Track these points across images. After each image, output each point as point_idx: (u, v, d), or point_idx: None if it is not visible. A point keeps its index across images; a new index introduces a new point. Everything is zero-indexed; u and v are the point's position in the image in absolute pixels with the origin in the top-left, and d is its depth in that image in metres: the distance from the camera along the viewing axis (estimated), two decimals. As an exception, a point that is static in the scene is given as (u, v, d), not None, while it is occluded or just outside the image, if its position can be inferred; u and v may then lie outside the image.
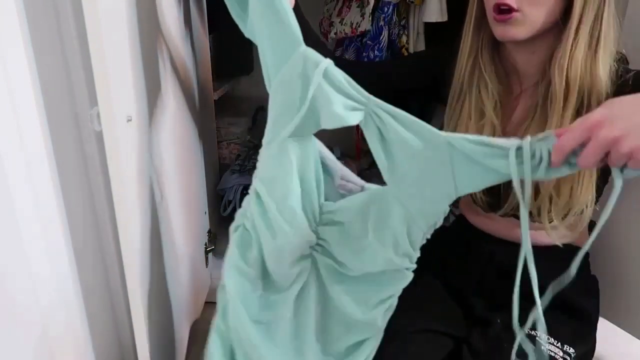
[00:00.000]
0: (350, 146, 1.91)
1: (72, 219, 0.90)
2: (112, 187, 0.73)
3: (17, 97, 0.73)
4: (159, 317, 0.96)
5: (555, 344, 0.83)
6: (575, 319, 0.88)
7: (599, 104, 0.73)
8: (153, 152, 0.90)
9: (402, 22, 1.52)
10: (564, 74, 0.75)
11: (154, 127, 0.90)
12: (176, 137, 1.03)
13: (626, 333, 1.11)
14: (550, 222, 0.81)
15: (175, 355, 1.06)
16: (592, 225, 0.89)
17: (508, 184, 0.79)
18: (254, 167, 1.67)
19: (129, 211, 0.77)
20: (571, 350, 0.83)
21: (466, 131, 0.86)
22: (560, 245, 0.84)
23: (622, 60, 0.79)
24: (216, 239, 1.47)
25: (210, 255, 1.39)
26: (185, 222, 1.10)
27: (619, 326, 1.12)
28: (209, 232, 1.39)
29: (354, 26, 1.52)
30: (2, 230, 0.74)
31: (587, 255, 0.93)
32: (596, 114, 0.54)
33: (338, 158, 1.72)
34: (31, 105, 0.77)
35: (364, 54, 1.53)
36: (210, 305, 1.25)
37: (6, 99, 0.71)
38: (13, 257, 0.76)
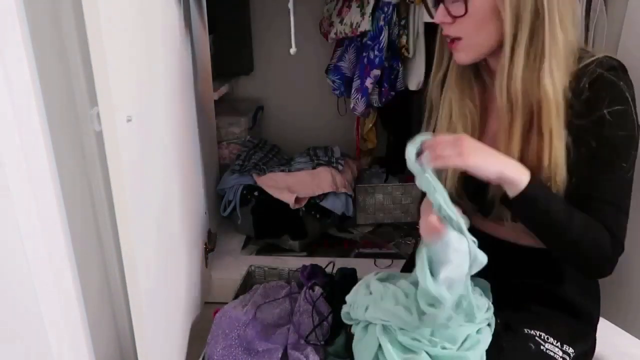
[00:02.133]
0: (350, 146, 1.91)
1: (72, 219, 0.90)
2: (112, 187, 0.73)
3: (17, 97, 0.73)
4: (159, 316, 0.96)
5: (554, 343, 0.83)
6: (575, 319, 0.88)
7: (557, 113, 0.76)
8: (153, 152, 0.90)
9: (402, 22, 1.52)
10: (504, 91, 0.78)
11: (154, 127, 0.90)
12: (176, 137, 1.03)
13: (626, 333, 1.11)
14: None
15: (175, 355, 1.06)
16: None
17: (489, 192, 0.83)
18: (254, 167, 1.68)
19: (129, 211, 0.77)
20: (570, 350, 0.83)
21: None
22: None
23: (601, 63, 0.78)
24: (216, 239, 1.47)
25: (210, 255, 1.39)
26: (185, 222, 1.10)
27: (619, 326, 1.12)
28: (209, 232, 1.39)
29: (354, 26, 1.52)
30: (2, 230, 0.74)
31: None
32: (456, 141, 0.75)
33: (338, 158, 1.73)
34: (31, 106, 0.77)
35: (364, 54, 1.53)
36: (209, 305, 1.25)
37: (6, 99, 0.71)
38: (13, 257, 0.76)
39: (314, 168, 1.66)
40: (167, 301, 1.00)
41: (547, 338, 0.83)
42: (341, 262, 1.15)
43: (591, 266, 0.83)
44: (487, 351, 0.82)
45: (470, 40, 0.79)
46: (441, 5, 0.79)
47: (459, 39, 0.79)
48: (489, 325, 0.84)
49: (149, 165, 0.88)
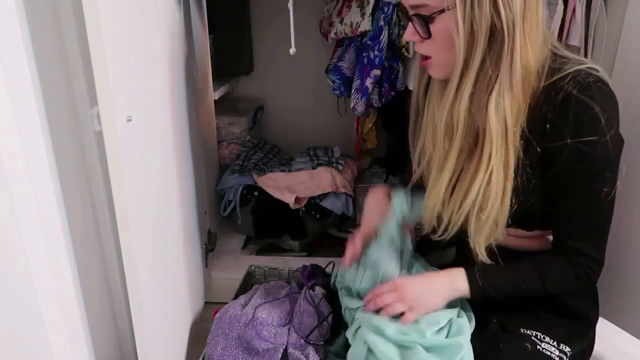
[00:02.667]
0: (350, 146, 1.91)
1: (72, 219, 0.90)
2: (112, 187, 0.73)
3: (17, 98, 0.73)
4: (159, 317, 0.96)
5: (551, 342, 0.84)
6: (571, 320, 0.88)
7: (503, 140, 0.75)
8: (153, 152, 0.90)
9: (402, 22, 1.52)
10: (444, 116, 0.78)
11: (154, 127, 0.90)
12: (176, 137, 1.03)
13: (626, 333, 1.11)
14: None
15: (175, 355, 1.06)
16: None
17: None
18: (254, 167, 1.68)
19: (129, 211, 0.77)
20: (567, 349, 0.84)
21: (423, 144, 0.90)
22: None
23: (575, 80, 0.74)
24: (216, 239, 1.47)
25: (210, 255, 1.39)
26: (185, 222, 1.10)
27: (619, 326, 1.12)
28: (209, 232, 1.39)
29: (354, 26, 1.52)
30: (2, 230, 0.74)
31: None
32: (399, 293, 0.85)
33: (338, 158, 1.73)
34: (31, 106, 0.77)
35: (364, 54, 1.53)
36: (209, 305, 1.25)
37: (6, 99, 0.71)
38: (13, 257, 0.76)
39: (314, 168, 1.66)
40: (167, 301, 1.00)
41: (544, 337, 0.84)
42: (341, 262, 1.14)
43: (572, 290, 0.86)
44: (484, 351, 0.82)
45: (438, 60, 0.79)
46: (410, 24, 0.79)
47: (429, 57, 0.80)
48: (463, 310, 0.88)
49: (149, 165, 0.88)
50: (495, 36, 0.72)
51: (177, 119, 1.03)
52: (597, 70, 0.76)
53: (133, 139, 0.78)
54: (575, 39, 1.22)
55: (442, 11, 0.73)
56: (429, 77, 0.89)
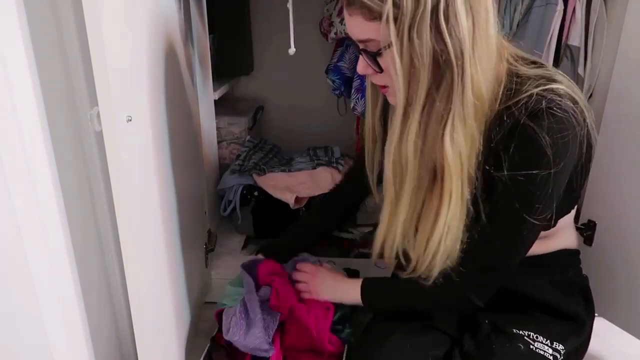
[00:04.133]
0: (350, 146, 1.91)
1: (72, 218, 0.90)
2: (112, 187, 0.73)
3: (18, 98, 0.73)
4: (159, 317, 0.96)
5: (543, 341, 0.84)
6: (564, 319, 0.88)
7: (460, 174, 0.71)
8: (153, 152, 0.90)
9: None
10: (390, 158, 0.75)
11: (154, 127, 0.90)
12: (176, 137, 1.03)
13: (626, 333, 1.11)
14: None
15: (176, 355, 1.06)
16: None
17: None
18: (254, 167, 1.68)
19: (129, 211, 0.77)
20: (560, 347, 0.84)
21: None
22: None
23: (526, 106, 0.69)
24: (216, 239, 1.47)
25: (210, 255, 1.39)
26: (185, 222, 1.10)
27: (619, 326, 1.12)
28: (209, 232, 1.39)
29: (354, 26, 1.52)
30: (2, 230, 0.74)
31: (575, 256, 0.94)
32: (310, 278, 1.06)
33: (338, 158, 1.73)
34: (31, 106, 0.77)
35: (364, 54, 1.53)
36: (210, 305, 1.25)
37: (6, 100, 0.71)
38: (13, 257, 0.76)
39: (314, 168, 1.66)
40: (167, 301, 1.00)
41: (537, 337, 0.84)
42: (341, 262, 1.15)
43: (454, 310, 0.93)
44: (479, 354, 0.83)
45: (394, 90, 0.73)
46: (361, 57, 0.75)
47: (384, 86, 0.76)
48: None
49: (149, 165, 0.88)
50: (441, 68, 0.67)
51: (177, 119, 1.03)
52: (557, 92, 0.69)
53: (133, 139, 0.78)
54: (575, 39, 1.22)
55: (389, 46, 0.67)
56: (382, 106, 0.86)
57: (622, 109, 1.05)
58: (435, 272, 0.79)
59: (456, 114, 0.68)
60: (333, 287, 1.02)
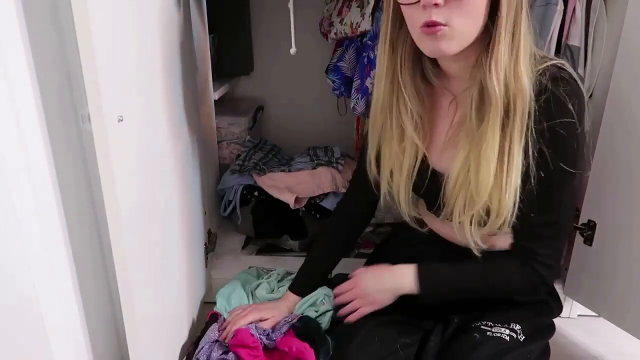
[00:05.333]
0: (350, 146, 1.91)
1: (71, 218, 0.90)
2: (102, 187, 0.71)
3: (17, 97, 0.73)
4: (158, 317, 0.96)
5: (499, 326, 0.87)
6: (524, 309, 0.91)
7: (523, 111, 0.75)
8: (151, 152, 0.90)
9: (402, 22, 1.52)
10: (494, 77, 0.74)
11: (153, 126, 0.90)
12: (175, 137, 1.03)
13: (626, 333, 1.11)
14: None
15: (175, 355, 1.06)
16: None
17: (442, 194, 0.85)
18: (254, 167, 1.68)
19: (121, 211, 0.75)
20: (517, 327, 0.86)
21: (390, 152, 0.89)
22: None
23: (552, 68, 0.77)
24: (216, 239, 1.47)
25: (210, 255, 1.39)
26: (185, 222, 1.10)
27: (619, 326, 1.12)
28: (209, 232, 1.39)
29: (354, 26, 1.52)
30: (2, 230, 0.74)
31: None
32: (356, 290, 0.96)
33: (338, 158, 1.73)
34: (31, 106, 0.77)
35: (364, 54, 1.53)
36: (209, 305, 1.25)
37: (6, 99, 0.71)
38: (13, 256, 0.76)
39: (314, 168, 1.66)
40: (167, 301, 1.00)
41: (493, 325, 0.87)
42: (341, 262, 1.14)
43: (527, 294, 0.90)
44: (445, 349, 0.87)
45: (457, 28, 0.72)
46: None
47: (444, 25, 0.71)
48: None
49: (146, 165, 0.88)
50: (521, 2, 0.74)
51: (176, 119, 1.03)
52: (566, 67, 0.78)
53: (125, 139, 0.77)
54: (575, 39, 1.22)
55: None
56: (393, 79, 0.84)
57: (622, 109, 1.05)
58: (507, 215, 0.79)
59: (526, 42, 0.74)
60: (380, 283, 0.93)
